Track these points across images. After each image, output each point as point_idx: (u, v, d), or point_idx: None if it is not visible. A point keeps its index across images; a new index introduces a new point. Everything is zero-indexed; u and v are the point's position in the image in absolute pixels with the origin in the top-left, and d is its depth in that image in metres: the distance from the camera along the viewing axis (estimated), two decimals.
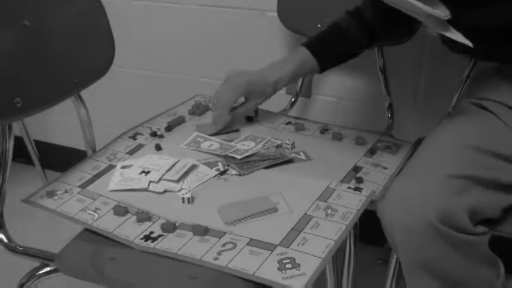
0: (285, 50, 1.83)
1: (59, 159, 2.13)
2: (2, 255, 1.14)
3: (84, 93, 1.36)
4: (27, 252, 1.10)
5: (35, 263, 1.10)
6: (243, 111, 1.41)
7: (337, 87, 1.82)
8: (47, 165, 2.08)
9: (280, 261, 0.95)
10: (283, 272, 0.93)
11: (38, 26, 1.15)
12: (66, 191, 1.18)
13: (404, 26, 1.42)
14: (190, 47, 1.96)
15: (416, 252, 1.03)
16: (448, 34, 1.06)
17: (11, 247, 1.11)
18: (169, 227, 1.05)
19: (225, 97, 1.35)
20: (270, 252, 0.98)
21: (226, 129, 1.42)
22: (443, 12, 1.01)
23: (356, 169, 1.26)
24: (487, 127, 1.20)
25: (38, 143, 1.85)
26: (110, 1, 1.40)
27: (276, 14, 1.73)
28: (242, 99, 1.40)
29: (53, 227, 1.91)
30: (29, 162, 1.86)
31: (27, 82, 1.14)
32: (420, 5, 0.98)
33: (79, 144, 2.22)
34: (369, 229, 1.42)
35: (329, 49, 1.40)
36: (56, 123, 2.29)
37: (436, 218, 0.99)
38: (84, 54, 1.28)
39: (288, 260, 0.95)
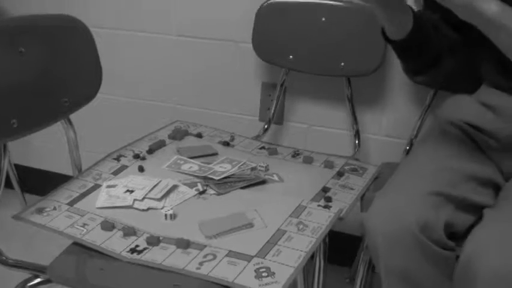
0: (258, 78, 1.94)
1: (37, 182, 2.20)
2: None
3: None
4: (18, 265, 1.17)
5: (23, 276, 1.17)
6: None
7: (307, 115, 1.92)
8: (25, 189, 2.16)
9: (256, 270, 1.04)
10: (260, 279, 1.02)
11: (33, 53, 1.24)
12: (54, 208, 1.26)
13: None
14: (169, 76, 2.04)
15: (395, 259, 1.12)
16: None
17: (2, 260, 1.18)
18: (154, 241, 1.13)
19: None
20: (247, 262, 1.07)
21: (205, 153, 1.52)
22: None
23: (325, 189, 1.36)
24: (462, 149, 1.31)
25: (16, 166, 1.92)
26: (97, 32, 1.49)
27: (249, 45, 1.83)
28: None
29: (29, 247, 1.96)
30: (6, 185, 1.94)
31: (22, 104, 1.22)
32: None
33: (57, 167, 2.30)
34: (338, 251, 1.52)
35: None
36: (35, 148, 2.35)
37: (417, 227, 1.09)
38: (74, 80, 1.37)
39: (264, 269, 1.05)
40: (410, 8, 1.22)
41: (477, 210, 1.22)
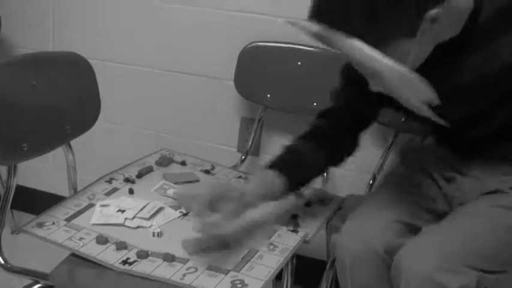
0: (238, 113, 2.11)
1: (24, 200, 2.32)
2: None
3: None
4: (23, 272, 1.32)
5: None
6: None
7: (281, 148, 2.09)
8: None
9: (232, 282, 1.21)
10: None
11: (43, 86, 1.41)
12: (53, 223, 1.41)
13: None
14: (156, 106, 2.20)
15: (360, 275, 1.30)
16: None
17: (8, 268, 1.33)
18: (143, 254, 1.29)
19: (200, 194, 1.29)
20: (224, 275, 1.24)
21: (188, 180, 1.68)
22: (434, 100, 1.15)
23: (294, 216, 1.53)
24: (423, 184, 1.48)
25: None
26: (95, 64, 1.64)
27: (231, 82, 2.00)
28: None
29: None
30: None
31: (32, 130, 1.38)
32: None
33: (39, 185, 2.41)
34: (306, 274, 1.68)
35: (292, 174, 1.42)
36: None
37: (381, 249, 1.27)
38: (76, 110, 1.54)
39: (239, 281, 1.21)
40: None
41: None
